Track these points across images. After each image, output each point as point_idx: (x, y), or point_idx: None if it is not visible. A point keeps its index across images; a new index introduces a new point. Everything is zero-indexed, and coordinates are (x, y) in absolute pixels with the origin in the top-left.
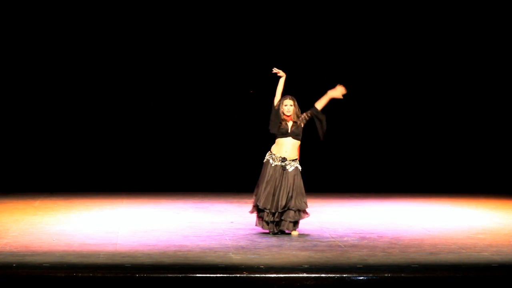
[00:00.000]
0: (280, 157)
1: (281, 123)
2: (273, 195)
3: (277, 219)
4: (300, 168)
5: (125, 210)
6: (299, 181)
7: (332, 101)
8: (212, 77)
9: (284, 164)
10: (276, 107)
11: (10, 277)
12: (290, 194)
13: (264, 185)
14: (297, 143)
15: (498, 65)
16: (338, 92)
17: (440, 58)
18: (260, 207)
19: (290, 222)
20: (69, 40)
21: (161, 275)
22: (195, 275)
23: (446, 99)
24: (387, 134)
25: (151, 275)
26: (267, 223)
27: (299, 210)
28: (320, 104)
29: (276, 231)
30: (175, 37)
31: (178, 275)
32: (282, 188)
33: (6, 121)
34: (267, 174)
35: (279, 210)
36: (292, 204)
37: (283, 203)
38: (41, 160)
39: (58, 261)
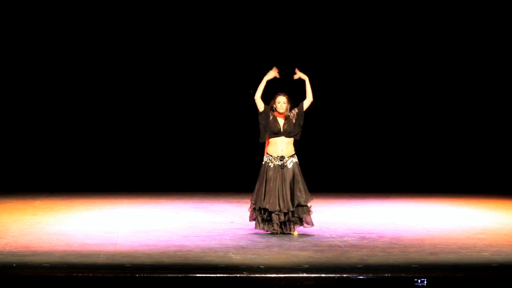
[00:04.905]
0: (278, 156)
1: (270, 121)
2: (280, 195)
3: (292, 218)
4: (297, 161)
5: (125, 210)
6: (300, 175)
7: (333, 102)
8: (212, 77)
9: (282, 163)
10: (263, 110)
11: (10, 277)
12: (296, 190)
13: (266, 187)
14: (291, 140)
15: (498, 65)
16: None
17: (440, 58)
18: (269, 209)
19: (298, 218)
20: (69, 40)
21: (161, 275)
22: (195, 275)
23: (446, 99)
24: (387, 134)
25: (151, 275)
26: (277, 224)
27: (307, 206)
28: (306, 101)
29: (284, 232)
30: (174, 37)
31: (178, 275)
32: (287, 186)
33: (6, 121)
34: (267, 176)
35: (291, 209)
36: (302, 199)
37: (293, 200)
38: (41, 160)
39: (58, 261)
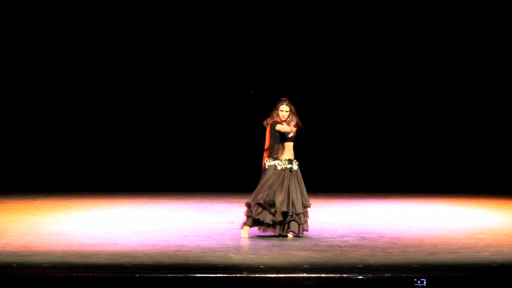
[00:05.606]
0: (286, 160)
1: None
2: (288, 198)
3: (301, 222)
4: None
5: (125, 210)
6: (302, 179)
7: (333, 102)
8: (212, 77)
9: (291, 166)
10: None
11: (10, 277)
12: (303, 194)
13: (274, 187)
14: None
15: (498, 65)
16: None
17: (440, 58)
18: (277, 209)
19: (301, 223)
20: (68, 40)
21: (161, 275)
22: (195, 275)
23: (445, 99)
24: (387, 134)
25: (151, 275)
26: (278, 224)
27: (307, 210)
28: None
29: (282, 234)
30: (175, 37)
31: (178, 275)
32: (295, 190)
33: (6, 121)
34: (274, 178)
35: (298, 212)
36: (308, 203)
37: (300, 204)
38: (41, 160)
39: (58, 261)
